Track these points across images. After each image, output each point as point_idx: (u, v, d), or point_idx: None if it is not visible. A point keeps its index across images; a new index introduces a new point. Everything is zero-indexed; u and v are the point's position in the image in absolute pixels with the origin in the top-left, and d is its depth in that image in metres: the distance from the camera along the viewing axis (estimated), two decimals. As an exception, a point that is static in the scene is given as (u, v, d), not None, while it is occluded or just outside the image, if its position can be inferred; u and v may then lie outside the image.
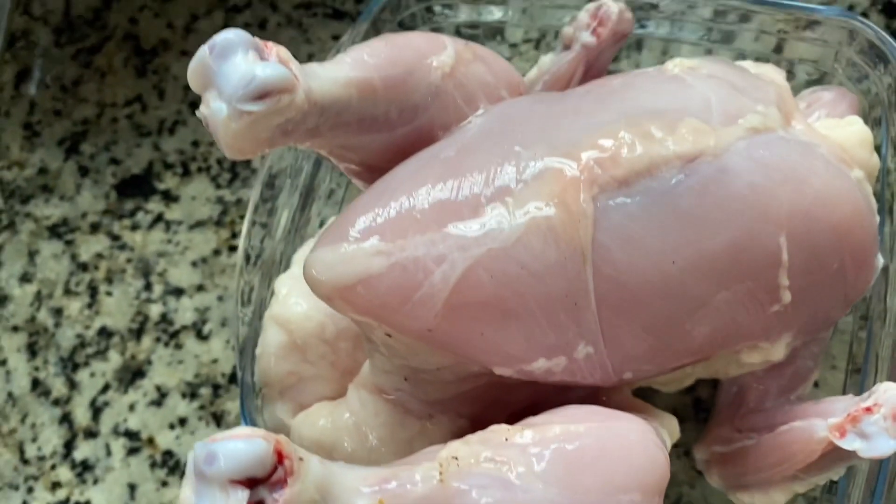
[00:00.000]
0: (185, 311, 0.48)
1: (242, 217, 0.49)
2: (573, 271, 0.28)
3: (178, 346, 0.47)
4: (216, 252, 0.49)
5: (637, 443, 0.27)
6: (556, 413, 0.28)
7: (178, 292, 0.48)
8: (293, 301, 0.36)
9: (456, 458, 0.25)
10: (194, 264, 0.49)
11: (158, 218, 0.50)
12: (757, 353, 0.33)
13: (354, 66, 0.29)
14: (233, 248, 0.49)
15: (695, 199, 0.29)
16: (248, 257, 0.40)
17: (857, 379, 0.36)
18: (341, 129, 0.29)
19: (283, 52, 0.26)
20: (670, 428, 0.31)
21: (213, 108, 0.25)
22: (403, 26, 0.44)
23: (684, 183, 0.29)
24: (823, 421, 0.31)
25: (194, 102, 0.52)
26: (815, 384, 0.38)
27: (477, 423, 0.33)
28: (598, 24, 0.38)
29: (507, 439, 0.26)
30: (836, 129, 0.34)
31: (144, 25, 0.54)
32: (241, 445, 0.21)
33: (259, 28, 0.53)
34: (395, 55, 0.30)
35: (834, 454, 0.30)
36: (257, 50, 0.25)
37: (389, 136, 0.31)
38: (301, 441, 0.34)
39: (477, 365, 0.29)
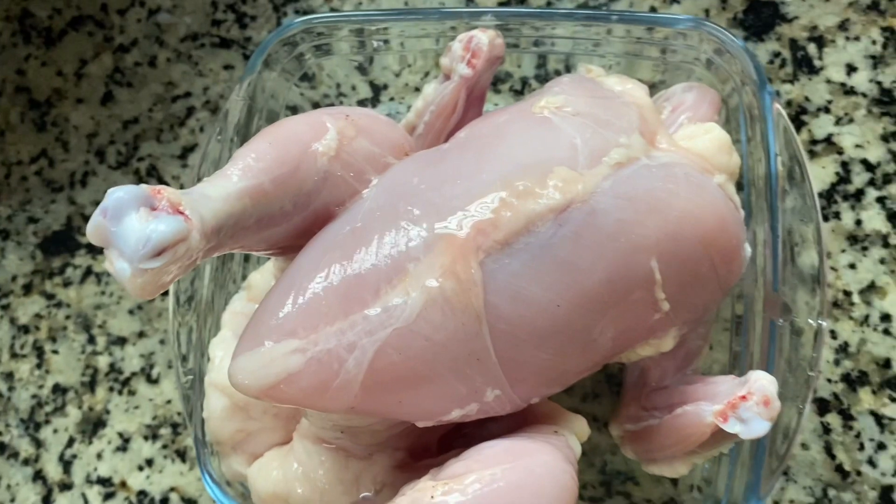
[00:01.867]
0: (131, 359, 0.50)
1: (169, 259, 0.51)
2: (472, 333, 0.31)
3: (132, 393, 0.50)
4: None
5: (545, 476, 0.31)
6: (473, 457, 0.31)
7: (122, 341, 0.51)
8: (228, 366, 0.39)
9: (390, 527, 0.29)
10: (131, 312, 0.51)
11: (88, 271, 0.52)
12: (649, 346, 0.37)
13: (243, 175, 0.31)
14: (165, 293, 0.51)
15: (570, 247, 0.32)
16: (178, 300, 0.42)
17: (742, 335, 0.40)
18: (241, 234, 0.31)
19: (173, 194, 0.28)
20: (578, 429, 0.36)
21: (118, 268, 0.27)
22: (296, 59, 0.46)
23: (559, 233, 0.32)
24: (710, 406, 0.35)
25: (100, 151, 0.53)
26: (710, 347, 0.42)
27: (413, 451, 0.37)
28: (471, 56, 0.40)
29: (432, 497, 0.30)
30: (696, 139, 0.37)
31: (33, 76, 0.54)
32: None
33: (150, 66, 0.53)
34: (281, 154, 0.32)
35: (720, 434, 0.35)
36: (147, 203, 0.27)
37: (288, 226, 0.33)
38: (258, 493, 0.38)
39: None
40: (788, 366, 0.36)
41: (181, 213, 0.27)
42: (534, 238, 0.32)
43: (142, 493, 0.49)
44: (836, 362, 0.43)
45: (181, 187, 0.52)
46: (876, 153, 0.45)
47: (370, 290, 0.31)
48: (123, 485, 0.49)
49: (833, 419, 0.43)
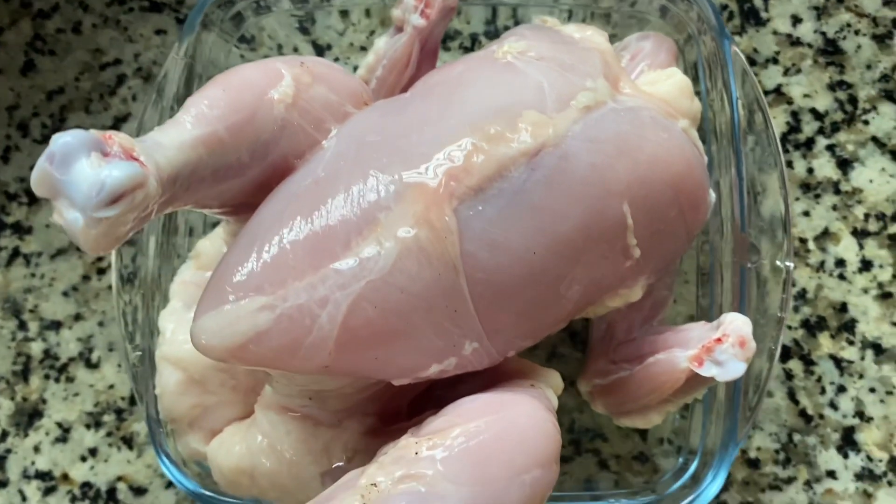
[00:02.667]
0: (67, 343, 0.47)
1: (104, 236, 0.48)
2: (448, 284, 0.30)
3: (70, 380, 0.47)
4: (85, 278, 0.48)
5: (528, 425, 0.30)
6: (453, 413, 0.30)
7: (56, 325, 0.47)
8: (182, 339, 0.36)
9: (375, 485, 0.28)
10: (66, 294, 0.48)
11: (15, 253, 0.48)
12: (618, 298, 0.36)
13: (197, 122, 0.29)
14: (102, 272, 0.48)
15: (544, 192, 0.31)
16: (122, 277, 0.40)
17: (707, 286, 0.40)
18: (196, 186, 0.29)
19: (125, 140, 0.26)
20: (553, 383, 0.35)
21: (69, 219, 0.24)
22: (234, 20, 0.43)
23: (532, 178, 0.31)
24: (683, 352, 0.35)
25: (23, 124, 0.49)
26: (675, 300, 0.42)
27: (383, 416, 0.36)
28: (424, 6, 0.39)
29: (416, 453, 0.29)
30: (658, 84, 0.37)
31: (-56, 46, 0.50)
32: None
33: (74, 32, 0.50)
34: (235, 100, 0.30)
35: (695, 380, 0.35)
36: (98, 148, 0.25)
37: (245, 179, 0.31)
38: (220, 469, 0.36)
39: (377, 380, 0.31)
40: (758, 309, 0.36)
41: (135, 159, 0.25)
42: (507, 184, 0.31)
43: (86, 486, 0.46)
44: (796, 309, 0.44)
45: (114, 160, 0.49)
46: (823, 102, 0.45)
47: (340, 241, 0.29)
48: (65, 478, 0.46)
49: (795, 365, 0.43)
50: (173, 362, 0.36)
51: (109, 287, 0.48)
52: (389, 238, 0.29)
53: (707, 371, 0.34)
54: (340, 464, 0.34)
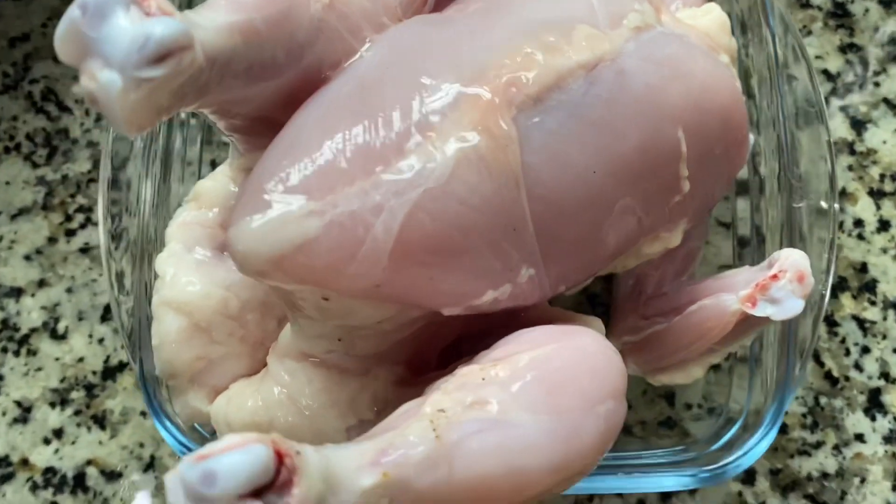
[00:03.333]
0: (30, 312, 0.42)
1: (73, 196, 0.44)
2: (509, 198, 0.27)
3: (32, 352, 0.42)
4: (52, 240, 0.43)
5: (597, 353, 0.27)
6: (514, 342, 0.27)
7: (17, 292, 0.42)
8: (185, 281, 0.32)
9: (443, 411, 0.24)
10: (28, 258, 0.43)
11: (-31, 213, 0.43)
12: (657, 242, 0.34)
13: (232, 7, 0.26)
14: (70, 233, 0.43)
15: (603, 107, 0.29)
16: (111, 241, 0.35)
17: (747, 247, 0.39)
18: (230, 81, 0.26)
19: (164, 2, 0.22)
20: (597, 328, 0.32)
21: (104, 81, 0.21)
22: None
23: (591, 92, 0.29)
24: (732, 295, 0.33)
25: (-20, 72, 0.45)
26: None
27: (412, 366, 0.32)
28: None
29: (483, 379, 0.25)
30: (698, 19, 0.35)
31: None
32: (239, 457, 0.19)
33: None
34: (270, -10, 0.27)
35: (746, 323, 0.33)
36: (137, 4, 0.21)
37: (278, 83, 0.28)
38: (230, 426, 0.31)
39: (425, 310, 0.28)
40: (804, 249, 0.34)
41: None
42: (566, 95, 0.28)
43: (49, 471, 0.40)
44: (816, 269, 0.42)
45: (86, 113, 0.45)
46: (835, 64, 0.45)
47: (392, 147, 0.26)
48: (25, 463, 0.40)
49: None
50: (175, 307, 0.32)
51: (81, 250, 0.43)
52: (446, 145, 0.26)
53: (761, 311, 0.32)
54: (368, 418, 0.31)
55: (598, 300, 0.42)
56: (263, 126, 0.29)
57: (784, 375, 0.33)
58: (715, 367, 0.39)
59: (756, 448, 0.33)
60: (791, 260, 0.32)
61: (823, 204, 0.35)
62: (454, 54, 0.28)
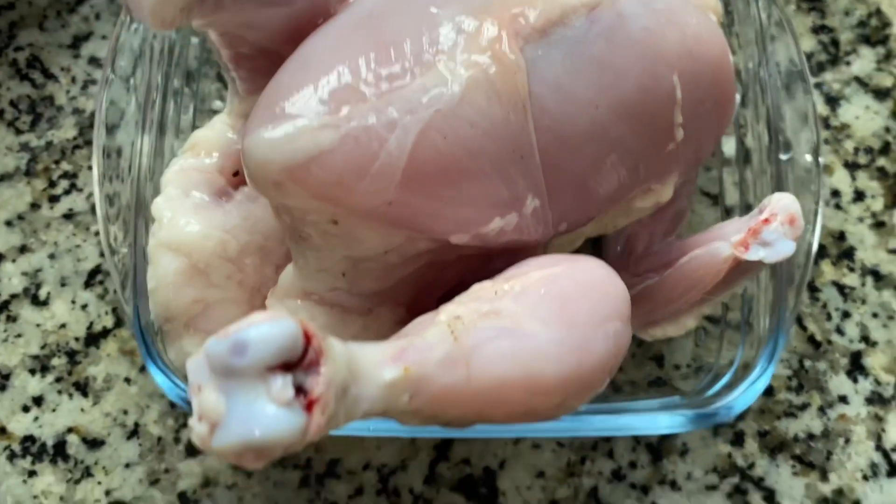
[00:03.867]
0: (10, 278, 0.41)
1: (57, 163, 0.43)
2: (517, 125, 0.28)
3: (12, 319, 0.41)
4: (34, 206, 0.42)
5: (605, 276, 0.28)
6: (523, 266, 0.28)
7: (-3, 258, 0.41)
8: (183, 223, 0.32)
9: (459, 318, 0.24)
10: (9, 224, 0.42)
11: (-52, 178, 0.42)
12: (649, 196, 0.35)
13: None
14: (54, 199, 0.42)
15: (604, 45, 0.30)
16: (108, 205, 0.35)
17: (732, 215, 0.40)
18: (243, 1, 0.26)
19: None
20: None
21: None
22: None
23: (592, 30, 0.30)
24: (724, 242, 0.34)
25: (-36, 39, 0.44)
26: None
27: (413, 309, 0.32)
28: None
29: (496, 293, 0.26)
30: (685, -21, 0.36)
31: None
32: (270, 328, 0.19)
33: (29, -54, 0.45)
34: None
35: (738, 269, 0.34)
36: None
37: (288, 12, 0.28)
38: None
39: (431, 238, 0.28)
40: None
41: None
42: (569, 31, 0.29)
43: (28, 440, 0.39)
44: (797, 237, 0.43)
45: (72, 81, 0.44)
46: (808, 44, 0.47)
47: (404, 70, 0.27)
48: (2, 431, 0.39)
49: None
50: (174, 248, 0.32)
51: (64, 216, 0.42)
52: (457, 69, 0.27)
53: (754, 255, 0.33)
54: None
55: (586, 266, 0.43)
56: (268, 61, 0.30)
57: (779, 311, 0.33)
58: (704, 330, 0.40)
59: (752, 388, 0.33)
60: (782, 203, 0.33)
61: (808, 157, 0.36)
62: (463, -13, 0.29)
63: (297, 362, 0.19)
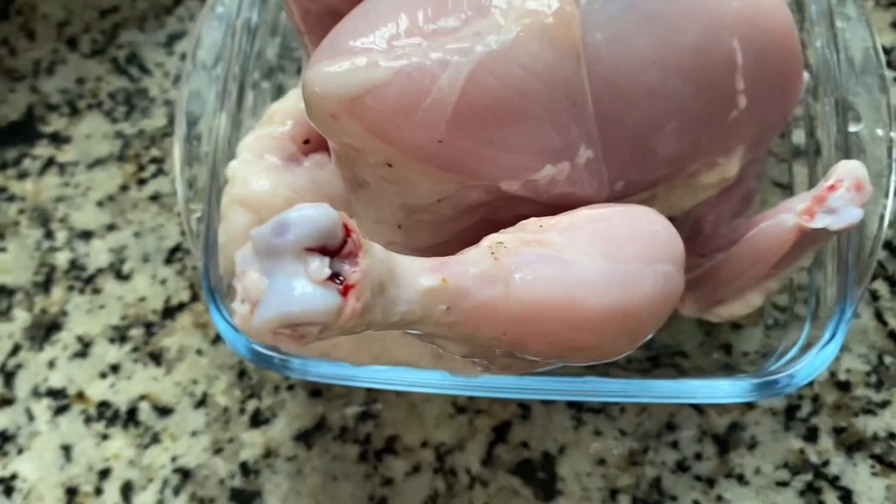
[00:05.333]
0: (98, 254, 0.44)
1: (147, 149, 0.46)
2: (570, 71, 0.28)
3: (97, 291, 0.43)
4: (124, 188, 0.45)
5: (659, 221, 0.27)
6: (578, 209, 0.28)
7: (87, 235, 0.44)
8: (254, 181, 0.34)
9: (501, 243, 0.25)
10: (100, 204, 0.45)
11: (49, 162, 0.46)
12: (715, 170, 0.35)
13: None
14: (142, 182, 0.45)
15: (661, 3, 0.30)
16: (190, 185, 0.37)
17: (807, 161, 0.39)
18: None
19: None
20: None
21: None
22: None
23: (649, -13, 0.30)
24: (789, 214, 0.33)
25: (72, 40, 0.48)
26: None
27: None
28: None
29: (542, 226, 0.26)
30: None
31: (-3, -33, 0.50)
32: (310, 212, 0.20)
33: (134, -43, 0.49)
34: None
35: (805, 239, 0.33)
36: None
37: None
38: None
39: (482, 185, 0.29)
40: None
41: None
42: (625, -13, 0.30)
43: (103, 405, 0.41)
44: (876, 231, 0.42)
45: (165, 75, 0.47)
46: (889, 39, 0.46)
47: (460, 16, 0.28)
48: (80, 396, 0.41)
49: (880, 286, 0.41)
50: (244, 204, 0.33)
51: (150, 198, 0.45)
52: (510, 15, 0.28)
53: (819, 222, 0.32)
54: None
55: (652, 255, 0.42)
56: (335, 21, 0.31)
57: (846, 280, 0.32)
58: (774, 319, 0.38)
59: (818, 357, 0.32)
60: (848, 169, 0.32)
61: (879, 132, 0.35)
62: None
63: (336, 251, 0.20)
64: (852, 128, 0.35)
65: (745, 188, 0.38)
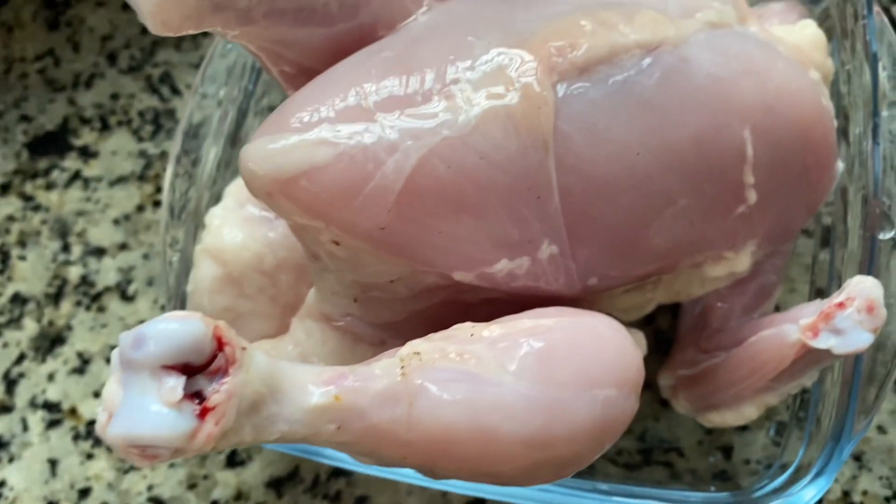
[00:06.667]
0: (107, 272, 0.44)
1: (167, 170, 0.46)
2: (535, 161, 0.26)
3: (101, 309, 0.44)
4: (140, 208, 0.45)
5: (610, 338, 0.25)
6: (524, 313, 0.26)
7: (100, 252, 0.45)
8: (227, 232, 0.33)
9: (418, 354, 0.23)
10: (116, 222, 0.45)
11: (76, 175, 0.46)
12: (722, 264, 0.32)
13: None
14: (157, 203, 0.45)
15: (657, 88, 0.27)
16: (172, 211, 0.37)
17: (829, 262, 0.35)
18: (276, 17, 0.26)
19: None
20: (639, 342, 0.30)
21: None
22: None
23: (645, 71, 0.27)
24: (794, 325, 0.30)
25: (112, 54, 0.49)
26: (776, 308, 0.37)
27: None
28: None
29: (472, 335, 0.24)
30: (790, 33, 0.33)
31: (55, -24, 0.51)
32: (173, 326, 0.19)
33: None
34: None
35: (807, 357, 0.29)
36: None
37: (329, 32, 0.28)
38: (241, 379, 0.31)
39: (434, 271, 0.27)
40: (887, 289, 0.30)
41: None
42: (616, 70, 0.27)
43: (93, 424, 0.41)
44: (920, 337, 0.37)
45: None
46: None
47: (421, 94, 0.26)
48: (73, 412, 0.42)
49: (915, 401, 0.37)
50: (213, 255, 0.33)
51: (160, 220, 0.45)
52: (476, 97, 0.26)
53: (823, 342, 0.28)
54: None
55: (662, 336, 0.39)
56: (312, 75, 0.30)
57: (843, 415, 0.29)
58: (781, 423, 0.35)
59: (797, 495, 0.28)
60: (861, 287, 0.28)
61: (915, 241, 0.31)
62: (508, 20, 0.28)
63: (203, 366, 0.19)
64: (882, 234, 0.31)
65: (762, 282, 0.35)
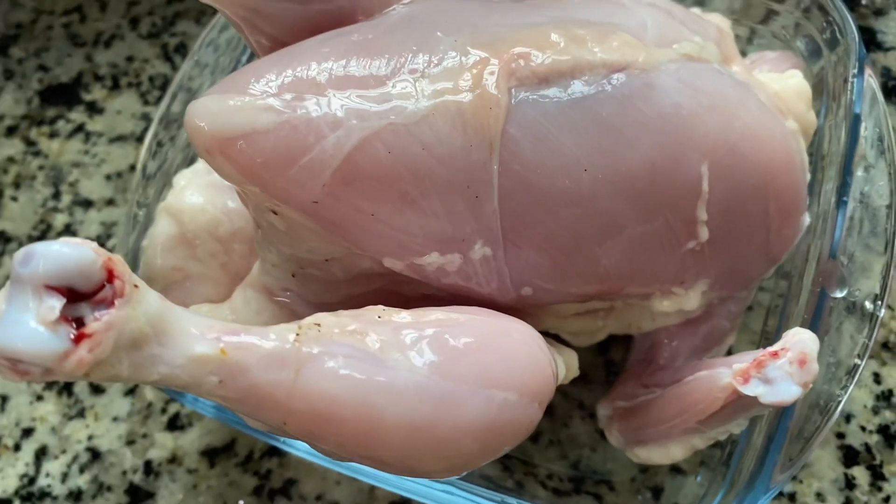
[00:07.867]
0: (91, 224, 0.45)
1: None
2: (478, 161, 0.26)
3: (78, 259, 0.44)
4: (133, 168, 0.46)
5: (520, 342, 0.25)
6: (442, 307, 0.25)
7: (87, 204, 0.46)
8: (189, 193, 0.34)
9: (318, 325, 0.23)
10: (108, 177, 0.46)
11: (79, 128, 0.48)
12: (671, 299, 0.31)
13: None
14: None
15: (616, 109, 0.27)
16: (145, 170, 0.38)
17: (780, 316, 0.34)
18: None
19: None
20: (569, 362, 0.29)
21: None
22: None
23: (608, 91, 0.27)
24: (729, 369, 0.29)
25: (135, 18, 0.50)
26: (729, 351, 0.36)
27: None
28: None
29: (380, 317, 0.24)
30: (775, 81, 0.33)
31: (97, -62, 0.53)
32: (64, 249, 0.19)
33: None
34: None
35: (737, 403, 0.29)
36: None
37: (303, 10, 0.28)
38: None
39: (367, 256, 0.27)
40: (831, 350, 0.30)
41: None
42: (577, 86, 0.27)
43: (48, 368, 0.42)
44: (875, 410, 0.36)
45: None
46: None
47: (376, 78, 0.26)
48: (32, 353, 0.42)
49: (860, 473, 0.36)
50: (172, 214, 0.33)
51: (148, 179, 0.46)
52: (430, 90, 0.26)
53: (751, 389, 0.28)
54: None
55: (613, 367, 0.39)
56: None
57: (761, 467, 0.28)
58: (709, 468, 0.34)
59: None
60: (797, 339, 0.28)
61: (868, 305, 0.30)
62: (481, 23, 0.28)
63: (88, 294, 0.19)
64: (838, 292, 0.30)
65: (713, 326, 0.34)
